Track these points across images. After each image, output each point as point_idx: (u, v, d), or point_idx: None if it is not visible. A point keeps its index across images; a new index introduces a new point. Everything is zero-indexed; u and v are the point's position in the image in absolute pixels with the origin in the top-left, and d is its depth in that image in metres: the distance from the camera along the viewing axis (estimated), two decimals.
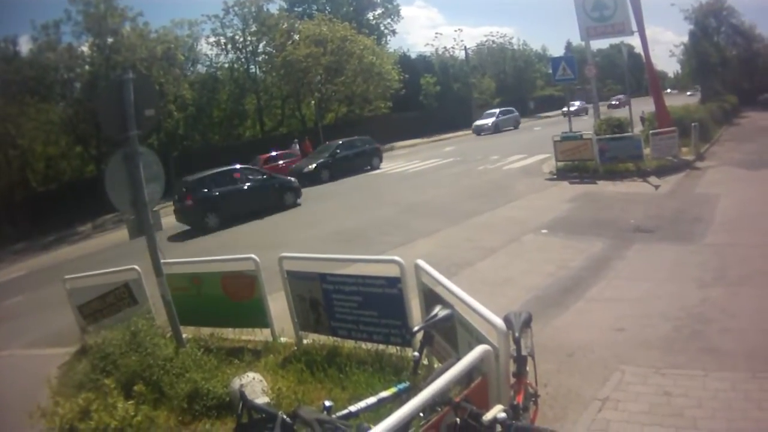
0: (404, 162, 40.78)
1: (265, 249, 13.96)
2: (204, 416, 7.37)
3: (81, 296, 12.62)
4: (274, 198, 27.76)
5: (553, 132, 26.62)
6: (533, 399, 5.56)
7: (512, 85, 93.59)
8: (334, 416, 4.12)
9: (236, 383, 7.10)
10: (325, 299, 8.69)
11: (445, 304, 5.79)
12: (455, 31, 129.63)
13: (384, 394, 5.09)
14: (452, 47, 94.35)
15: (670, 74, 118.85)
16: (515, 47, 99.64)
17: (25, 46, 62.94)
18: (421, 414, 3.89)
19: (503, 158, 33.03)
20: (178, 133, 54.28)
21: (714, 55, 50.62)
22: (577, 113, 41.75)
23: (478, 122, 61.96)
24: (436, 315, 5.46)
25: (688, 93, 76.02)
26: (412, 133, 63.32)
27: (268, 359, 8.92)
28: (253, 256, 9.54)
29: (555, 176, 24.11)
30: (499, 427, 3.47)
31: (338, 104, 66.38)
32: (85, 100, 44.89)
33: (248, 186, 27.53)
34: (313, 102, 61.20)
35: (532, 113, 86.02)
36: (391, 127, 61.42)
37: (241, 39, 62.49)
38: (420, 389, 3.96)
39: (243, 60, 64.22)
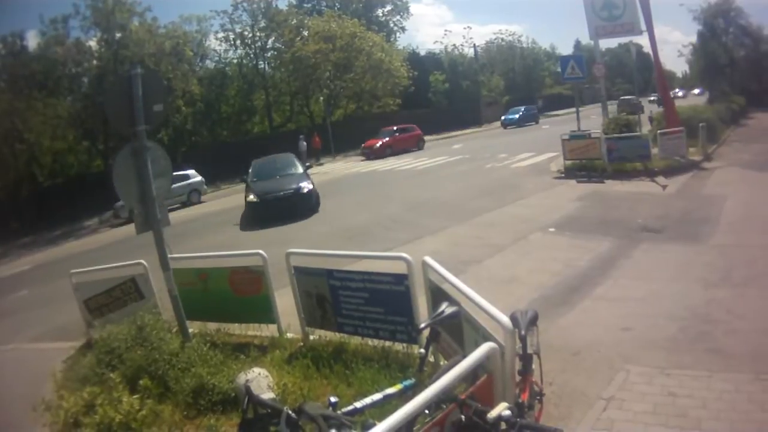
0: (412, 159, 40.90)
1: (272, 245, 13.97)
2: (209, 411, 7.36)
3: (87, 290, 12.62)
4: None
5: (562, 130, 26.60)
6: (538, 397, 5.57)
7: (521, 83, 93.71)
8: (339, 412, 4.12)
9: (242, 378, 7.07)
10: (331, 295, 8.71)
11: (452, 302, 5.78)
12: (464, 28, 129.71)
13: (390, 390, 5.10)
14: (461, 45, 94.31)
15: (679, 74, 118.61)
16: (524, 45, 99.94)
17: (32, 40, 63.24)
18: (427, 411, 3.89)
19: (511, 156, 33.03)
20: (187, 129, 54.46)
21: (722, 56, 50.44)
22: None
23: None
24: (442, 312, 5.46)
25: (680, 93, 75.91)
26: (421, 131, 63.32)
27: (274, 355, 8.89)
28: (260, 251, 9.56)
29: (563, 175, 24.08)
30: (503, 425, 3.48)
31: (347, 101, 66.63)
32: (93, 94, 45.17)
33: None
34: (321, 98, 61.34)
35: (540, 111, 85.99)
36: (399, 124, 61.36)
37: (250, 35, 62.78)
38: (426, 386, 3.96)
39: (252, 56, 64.52)
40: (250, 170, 26.78)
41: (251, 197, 23.82)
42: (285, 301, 9.71)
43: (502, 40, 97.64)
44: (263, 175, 25.97)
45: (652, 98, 58.63)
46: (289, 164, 27.11)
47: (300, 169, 26.25)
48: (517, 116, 67.96)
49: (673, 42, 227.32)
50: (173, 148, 46.87)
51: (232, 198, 32.70)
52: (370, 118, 64.36)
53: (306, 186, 23.85)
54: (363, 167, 41.41)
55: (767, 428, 5.81)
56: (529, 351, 5.16)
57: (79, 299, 12.80)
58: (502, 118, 69.45)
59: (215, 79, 61.64)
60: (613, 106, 43.72)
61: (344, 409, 4.55)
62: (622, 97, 49.77)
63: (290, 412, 3.82)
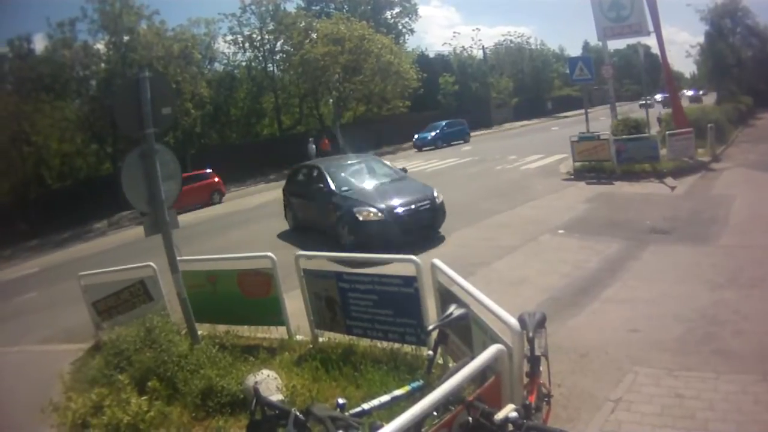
0: (422, 161, 40.80)
1: (282, 247, 13.97)
2: (218, 413, 7.38)
3: (96, 293, 12.70)
4: None
5: (571, 132, 26.56)
6: (546, 399, 5.57)
7: (530, 84, 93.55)
8: (347, 414, 4.12)
9: (251, 380, 7.09)
10: (341, 298, 8.73)
11: (461, 304, 5.77)
12: (473, 30, 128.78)
13: (398, 392, 5.09)
14: (470, 47, 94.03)
15: (687, 75, 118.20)
16: (533, 47, 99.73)
17: (40, 43, 63.41)
18: (435, 412, 3.89)
19: (521, 158, 32.99)
20: (196, 132, 54.49)
21: (729, 56, 50.31)
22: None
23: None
24: (451, 314, 5.44)
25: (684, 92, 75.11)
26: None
27: (283, 357, 8.92)
28: (269, 254, 9.58)
29: (572, 176, 24.06)
30: (510, 427, 3.48)
31: (356, 103, 66.40)
32: (101, 97, 45.28)
33: None
34: (331, 101, 61.37)
35: (550, 113, 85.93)
36: (409, 126, 61.22)
37: (259, 37, 62.72)
38: (434, 388, 3.96)
39: (260, 58, 64.48)
40: (326, 176, 17.77)
41: (368, 213, 15.89)
42: (294, 304, 9.73)
43: (511, 41, 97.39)
44: (356, 182, 17.87)
45: (641, 103, 57.84)
46: (379, 165, 19.78)
47: (400, 171, 19.74)
48: (431, 135, 56.51)
49: (681, 42, 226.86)
50: (182, 150, 46.89)
51: (245, 200, 32.77)
52: (379, 121, 64.48)
53: (439, 195, 17.07)
54: None
55: None
56: (537, 353, 5.16)
57: (87, 301, 12.89)
58: (415, 137, 57.57)
59: (224, 82, 61.71)
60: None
61: (352, 411, 4.54)
62: (665, 95, 49.95)
63: (298, 413, 3.83)
